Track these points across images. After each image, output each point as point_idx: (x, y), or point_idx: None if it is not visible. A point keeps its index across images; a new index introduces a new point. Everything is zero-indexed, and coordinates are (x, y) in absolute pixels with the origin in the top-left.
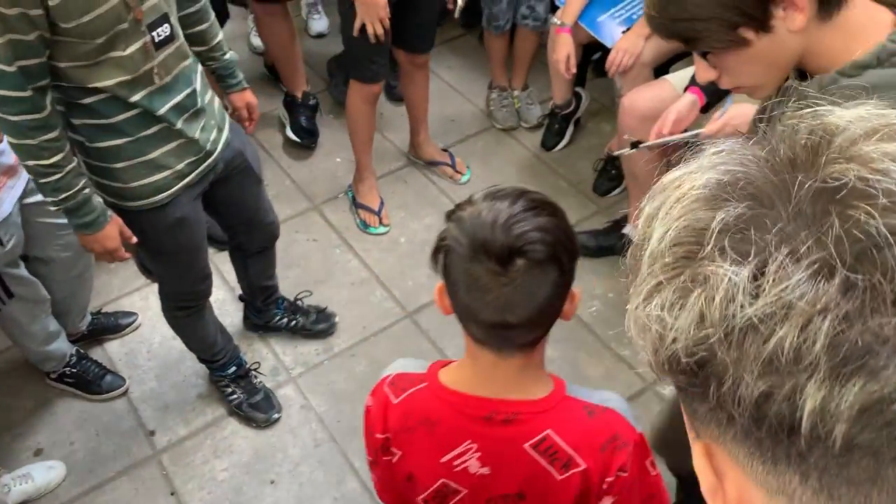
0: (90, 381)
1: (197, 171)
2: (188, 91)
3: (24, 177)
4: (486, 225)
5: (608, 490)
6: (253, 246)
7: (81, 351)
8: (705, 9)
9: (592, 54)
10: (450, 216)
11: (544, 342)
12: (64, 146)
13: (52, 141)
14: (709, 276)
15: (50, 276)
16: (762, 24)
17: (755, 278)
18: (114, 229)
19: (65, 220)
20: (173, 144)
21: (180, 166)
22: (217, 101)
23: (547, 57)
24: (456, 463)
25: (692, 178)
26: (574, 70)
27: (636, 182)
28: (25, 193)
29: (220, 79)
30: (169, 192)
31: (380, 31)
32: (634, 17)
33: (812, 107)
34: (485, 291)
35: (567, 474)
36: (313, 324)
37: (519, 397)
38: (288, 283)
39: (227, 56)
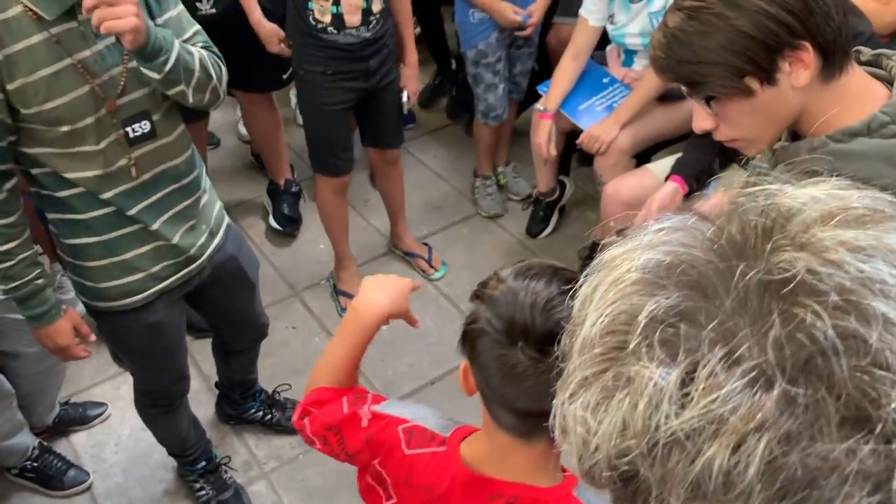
0: (52, 476)
1: (177, 276)
2: (169, 190)
3: None
4: (524, 308)
5: None
6: (238, 345)
7: (45, 444)
8: (714, 53)
9: (577, 143)
10: (478, 296)
11: None
12: (20, 234)
13: (7, 227)
14: (633, 377)
15: (17, 370)
16: (768, 75)
17: (683, 384)
18: (66, 325)
19: None
20: (148, 247)
21: (155, 269)
22: (217, 203)
23: (531, 144)
24: None
25: (631, 256)
26: (554, 152)
27: None
28: None
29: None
30: (142, 295)
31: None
32: (615, 105)
33: (763, 183)
34: (522, 379)
35: None
36: (289, 420)
37: (526, 482)
38: (265, 372)
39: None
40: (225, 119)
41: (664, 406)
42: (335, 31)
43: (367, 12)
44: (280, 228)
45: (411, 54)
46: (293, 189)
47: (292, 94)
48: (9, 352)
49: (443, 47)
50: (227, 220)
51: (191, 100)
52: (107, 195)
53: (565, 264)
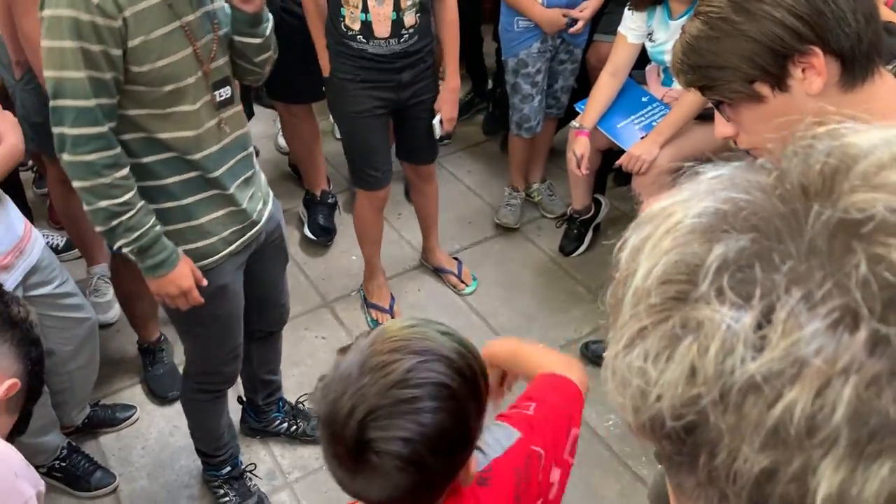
0: (79, 476)
1: (242, 240)
2: (241, 156)
3: (20, 267)
4: (341, 411)
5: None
6: (262, 326)
7: (73, 444)
8: (723, 57)
9: (613, 161)
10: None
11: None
12: (134, 184)
13: (124, 179)
14: (703, 322)
15: (50, 368)
16: (779, 81)
17: (759, 326)
18: (186, 267)
19: (69, 314)
20: (222, 212)
21: (225, 233)
22: (262, 175)
23: (567, 163)
24: None
25: (686, 205)
26: (586, 169)
27: None
28: (29, 286)
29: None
30: (214, 258)
31: None
32: (654, 123)
33: (828, 124)
34: (337, 467)
35: None
36: (315, 429)
37: None
38: (292, 381)
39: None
40: (264, 131)
41: (739, 349)
42: (364, 41)
43: (398, 24)
44: (315, 238)
45: (451, 78)
46: (329, 200)
47: None
48: (43, 349)
49: (480, 65)
50: (271, 192)
51: (266, 69)
52: (196, 156)
53: (599, 283)
